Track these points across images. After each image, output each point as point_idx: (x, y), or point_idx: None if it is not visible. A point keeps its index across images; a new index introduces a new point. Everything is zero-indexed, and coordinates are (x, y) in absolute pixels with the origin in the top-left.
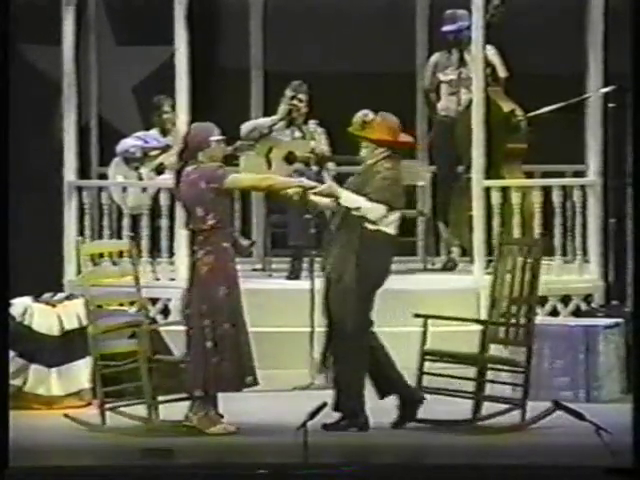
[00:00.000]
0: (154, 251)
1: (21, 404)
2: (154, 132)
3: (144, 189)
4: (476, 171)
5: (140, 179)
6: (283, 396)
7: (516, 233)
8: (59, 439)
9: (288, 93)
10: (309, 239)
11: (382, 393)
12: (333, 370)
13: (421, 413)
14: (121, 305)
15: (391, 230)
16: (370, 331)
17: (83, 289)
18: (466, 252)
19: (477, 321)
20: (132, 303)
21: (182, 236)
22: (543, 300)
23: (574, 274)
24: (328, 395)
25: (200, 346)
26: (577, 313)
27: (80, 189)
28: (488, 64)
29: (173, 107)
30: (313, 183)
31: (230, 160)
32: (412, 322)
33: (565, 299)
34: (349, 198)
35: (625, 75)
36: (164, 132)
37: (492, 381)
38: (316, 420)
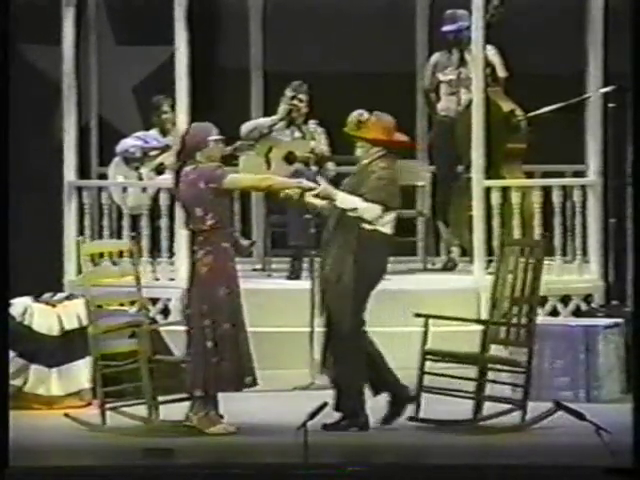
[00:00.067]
0: (154, 251)
1: (21, 404)
2: (154, 132)
3: (144, 189)
4: (476, 171)
5: (140, 179)
6: (283, 396)
7: (516, 233)
8: (59, 439)
9: (288, 93)
10: (309, 239)
11: (375, 390)
12: (333, 370)
13: (422, 413)
14: (121, 305)
15: (388, 230)
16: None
17: (83, 289)
18: (466, 252)
19: (478, 321)
20: (132, 303)
21: (182, 236)
22: (543, 300)
23: (574, 274)
24: (328, 395)
25: (200, 346)
26: (577, 313)
27: (80, 189)
28: (488, 64)
29: (173, 107)
30: (312, 184)
31: (229, 160)
32: (412, 322)
33: (565, 299)
34: (345, 200)
35: (625, 75)
36: (164, 132)
37: (493, 381)
38: (316, 420)
